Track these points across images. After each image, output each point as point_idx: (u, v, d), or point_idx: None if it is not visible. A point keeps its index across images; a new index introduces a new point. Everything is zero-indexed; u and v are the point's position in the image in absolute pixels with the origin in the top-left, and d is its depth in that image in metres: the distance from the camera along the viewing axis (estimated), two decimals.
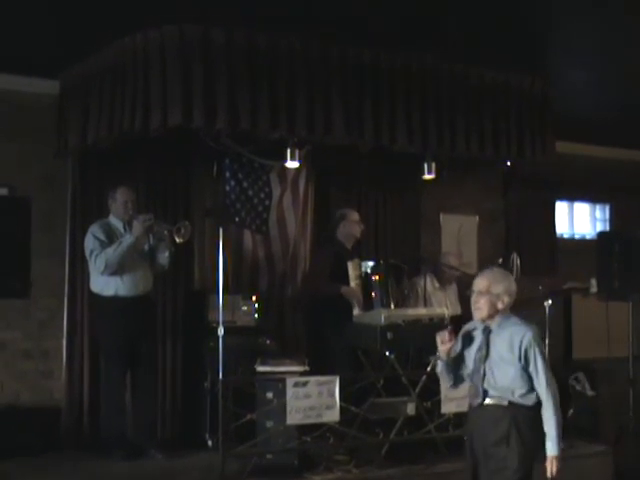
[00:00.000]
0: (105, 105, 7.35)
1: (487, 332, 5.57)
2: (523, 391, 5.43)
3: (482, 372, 5.54)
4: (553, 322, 9.29)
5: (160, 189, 8.79)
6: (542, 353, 5.46)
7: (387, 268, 8.67)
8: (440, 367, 5.83)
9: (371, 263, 8.70)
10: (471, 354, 5.66)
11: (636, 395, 8.72)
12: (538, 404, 5.44)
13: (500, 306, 5.50)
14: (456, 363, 5.75)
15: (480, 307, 5.54)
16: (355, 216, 8.94)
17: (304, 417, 7.21)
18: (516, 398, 5.44)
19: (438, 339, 5.65)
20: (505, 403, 5.46)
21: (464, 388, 7.70)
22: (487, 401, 5.52)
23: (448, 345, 5.62)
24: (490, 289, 5.50)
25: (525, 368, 5.43)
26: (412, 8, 6.98)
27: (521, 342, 5.43)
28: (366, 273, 8.51)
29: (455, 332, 5.67)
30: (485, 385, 5.53)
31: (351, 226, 8.88)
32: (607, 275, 8.77)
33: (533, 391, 5.44)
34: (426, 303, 9.02)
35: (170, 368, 8.63)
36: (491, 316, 5.53)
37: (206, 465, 7.35)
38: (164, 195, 8.80)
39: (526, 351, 5.42)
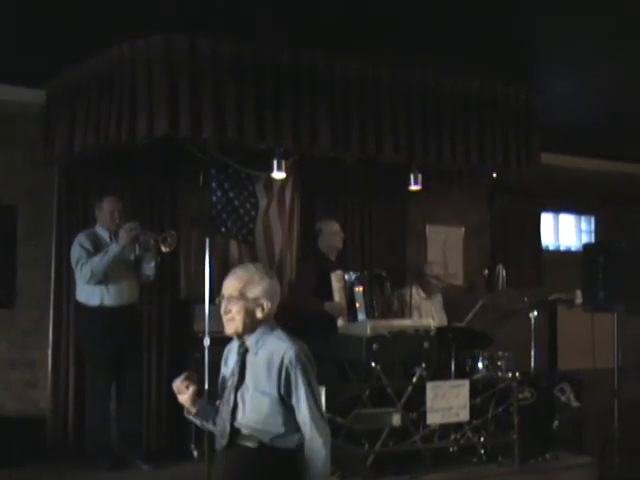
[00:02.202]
0: (91, 114, 7.34)
1: (243, 351, 4.31)
2: (282, 430, 4.16)
3: (232, 403, 4.25)
4: (538, 333, 9.32)
5: (146, 199, 8.79)
6: (308, 378, 4.17)
7: (371, 278, 8.68)
8: (197, 421, 4.49)
9: (355, 274, 8.71)
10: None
11: (621, 406, 8.73)
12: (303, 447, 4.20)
13: (260, 314, 4.24)
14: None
15: (233, 317, 4.26)
16: (332, 227, 8.93)
17: None
18: (272, 440, 4.17)
19: (174, 388, 4.40)
20: (256, 445, 4.19)
21: (449, 398, 7.75)
22: (236, 442, 4.24)
23: (187, 393, 4.32)
24: (244, 292, 4.24)
25: (285, 399, 4.16)
26: (398, 21, 7.00)
27: (281, 363, 4.13)
28: (350, 284, 8.52)
29: (191, 377, 4.38)
30: (234, 421, 4.24)
31: (329, 238, 8.88)
32: (592, 287, 8.78)
33: (298, 430, 4.19)
34: (413, 313, 9.04)
35: (156, 378, 8.61)
36: (249, 329, 4.27)
37: (192, 476, 7.34)
38: (150, 205, 8.80)
39: (287, 375, 4.14)
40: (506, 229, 11.48)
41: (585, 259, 9.03)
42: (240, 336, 4.30)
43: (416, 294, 9.32)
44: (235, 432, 4.22)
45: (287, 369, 4.12)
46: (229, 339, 8.49)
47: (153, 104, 6.88)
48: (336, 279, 8.50)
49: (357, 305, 8.45)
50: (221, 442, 4.28)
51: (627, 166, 12.25)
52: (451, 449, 8.09)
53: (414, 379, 7.83)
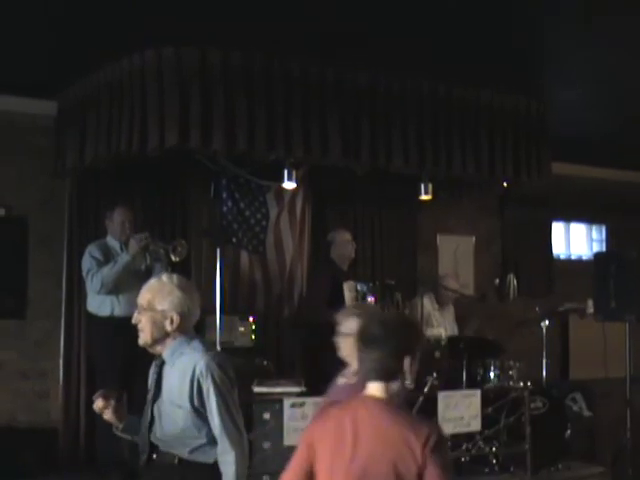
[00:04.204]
0: (103, 126, 7.36)
1: (160, 363, 4.30)
2: (200, 443, 4.10)
3: (149, 418, 4.24)
4: (550, 343, 9.30)
5: (157, 210, 8.81)
6: (220, 388, 4.07)
7: (382, 288, 8.68)
8: (127, 437, 4.43)
9: (366, 284, 8.70)
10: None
11: (633, 416, 8.71)
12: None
13: (169, 327, 4.17)
14: None
15: (142, 328, 4.23)
16: (344, 237, 8.94)
17: None
18: (191, 453, 4.10)
19: (95, 409, 4.44)
20: (175, 461, 4.12)
21: (461, 408, 7.72)
22: (156, 458, 4.18)
23: (109, 411, 4.37)
24: (153, 304, 4.20)
25: (200, 410, 4.09)
26: (409, 31, 7.01)
27: (192, 374, 4.06)
28: (362, 294, 8.51)
29: (107, 395, 4.43)
30: (152, 436, 4.22)
31: (342, 247, 8.89)
32: (604, 296, 8.77)
33: (216, 444, 4.09)
34: (426, 324, 9.03)
35: None
36: (158, 341, 4.21)
37: None
38: (161, 216, 8.82)
39: (199, 386, 4.06)
40: (517, 238, 11.47)
41: (596, 268, 9.03)
42: (150, 347, 4.26)
43: (429, 304, 9.31)
44: (153, 447, 4.18)
45: (199, 380, 4.06)
46: (240, 350, 8.51)
47: (164, 115, 6.89)
48: (348, 289, 8.49)
49: None
50: (142, 458, 4.21)
51: (638, 175, 12.22)
52: (463, 459, 8.06)
53: (425, 389, 7.81)
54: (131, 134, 7.00)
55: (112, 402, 4.32)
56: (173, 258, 7.71)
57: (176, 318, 4.16)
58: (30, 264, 8.48)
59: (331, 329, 8.33)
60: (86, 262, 7.76)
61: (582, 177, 11.73)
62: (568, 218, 12.35)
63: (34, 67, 7.63)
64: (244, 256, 9.16)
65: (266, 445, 7.32)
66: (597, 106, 9.29)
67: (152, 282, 4.32)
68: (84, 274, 7.79)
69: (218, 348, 7.31)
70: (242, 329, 8.53)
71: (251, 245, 9.17)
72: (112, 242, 7.93)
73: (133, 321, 4.28)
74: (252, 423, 7.36)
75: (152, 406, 4.23)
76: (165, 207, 8.87)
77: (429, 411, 7.73)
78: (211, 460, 4.08)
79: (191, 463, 4.09)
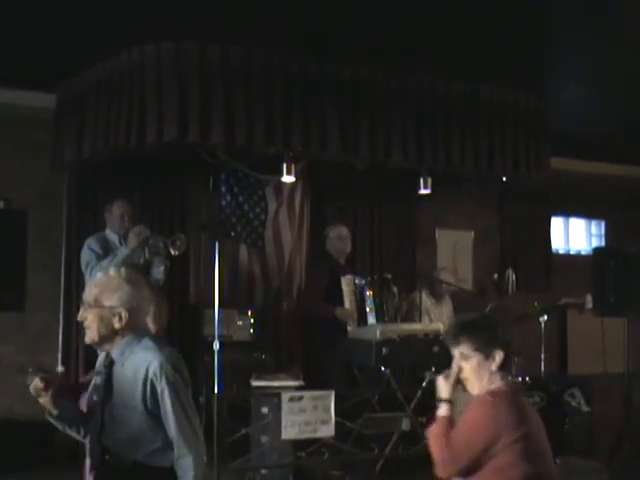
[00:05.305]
0: (101, 120, 7.36)
1: (108, 363, 3.97)
2: (156, 446, 3.85)
3: (98, 421, 3.90)
4: (548, 338, 9.30)
5: (156, 203, 8.81)
6: (175, 389, 3.82)
7: (381, 283, 8.68)
8: (59, 425, 4.09)
9: (364, 278, 8.71)
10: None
11: (631, 411, 8.70)
12: None
13: (117, 325, 3.88)
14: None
15: (89, 325, 3.92)
16: (340, 232, 8.94)
17: (299, 432, 7.19)
18: (146, 457, 3.84)
19: (32, 390, 4.10)
20: (128, 465, 3.85)
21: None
22: (108, 462, 3.88)
23: (46, 394, 4.01)
24: (100, 300, 3.90)
25: (155, 412, 3.84)
26: (410, 26, 7.00)
27: (146, 375, 3.81)
28: (360, 288, 8.51)
29: (48, 379, 4.04)
30: (104, 439, 3.87)
31: (336, 242, 8.90)
32: (602, 291, 8.75)
33: (172, 447, 3.86)
34: (423, 318, 9.03)
35: None
36: (106, 339, 3.91)
37: None
38: (160, 209, 8.83)
39: (152, 387, 3.80)
40: (516, 233, 11.48)
41: (595, 263, 9.01)
42: (97, 346, 3.98)
43: (426, 298, 9.31)
44: (105, 451, 3.88)
45: (152, 381, 3.80)
46: (239, 344, 8.49)
47: (163, 110, 6.90)
48: (346, 283, 8.49)
49: (367, 310, 8.45)
50: (90, 461, 3.94)
51: (638, 170, 12.22)
52: None
53: (424, 383, 7.81)
54: (130, 128, 7.01)
55: (52, 388, 3.99)
56: (172, 252, 7.70)
57: (125, 315, 3.88)
58: (29, 257, 8.49)
59: (328, 323, 8.39)
60: (85, 255, 7.75)
61: (581, 172, 11.73)
62: (567, 213, 12.36)
63: (34, 60, 7.62)
64: (243, 250, 9.15)
65: (264, 439, 7.34)
66: (597, 104, 9.29)
67: (99, 276, 4.02)
68: (83, 267, 7.78)
69: (217, 342, 7.30)
70: (240, 323, 8.54)
71: (250, 239, 9.16)
72: (111, 235, 7.92)
73: (79, 318, 3.98)
74: (250, 417, 7.38)
75: (102, 408, 3.90)
76: (163, 201, 8.87)
77: (427, 406, 7.75)
78: (168, 464, 3.85)
79: (147, 467, 3.84)
